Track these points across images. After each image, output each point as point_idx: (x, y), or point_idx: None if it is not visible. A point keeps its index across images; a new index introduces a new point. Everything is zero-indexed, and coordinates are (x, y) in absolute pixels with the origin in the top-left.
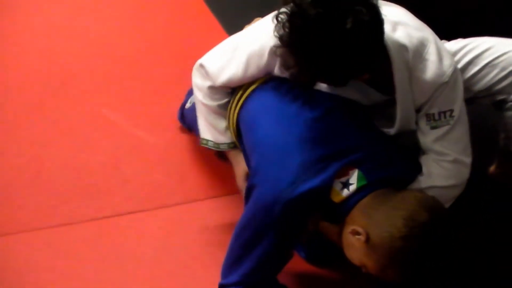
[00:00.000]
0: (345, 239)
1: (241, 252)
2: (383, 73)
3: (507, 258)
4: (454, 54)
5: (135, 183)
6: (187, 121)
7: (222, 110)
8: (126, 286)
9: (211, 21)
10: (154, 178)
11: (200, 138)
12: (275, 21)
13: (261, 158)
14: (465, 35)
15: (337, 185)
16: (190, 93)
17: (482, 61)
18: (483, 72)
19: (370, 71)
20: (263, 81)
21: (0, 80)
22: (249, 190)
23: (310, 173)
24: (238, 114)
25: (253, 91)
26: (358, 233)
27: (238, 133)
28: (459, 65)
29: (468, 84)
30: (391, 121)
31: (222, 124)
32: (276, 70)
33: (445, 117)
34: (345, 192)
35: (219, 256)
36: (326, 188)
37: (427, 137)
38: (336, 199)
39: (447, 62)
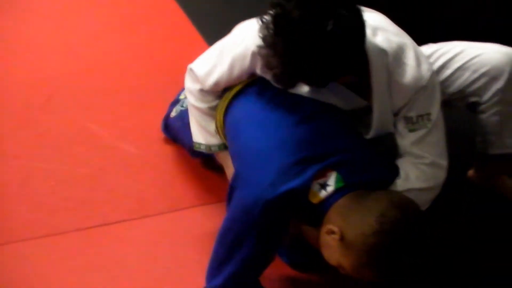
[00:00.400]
0: (322, 239)
1: (224, 255)
2: (363, 77)
3: (486, 258)
4: (427, 58)
5: (121, 193)
6: (171, 131)
7: (213, 111)
8: None
9: (193, 34)
10: (139, 188)
11: (192, 142)
12: (259, 22)
13: (242, 162)
14: (436, 41)
15: (315, 187)
16: (173, 104)
17: (454, 65)
18: (455, 75)
19: (351, 73)
20: (248, 84)
21: None
22: (231, 191)
23: (289, 175)
24: (224, 117)
25: (238, 94)
26: (333, 232)
27: (225, 135)
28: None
29: (442, 87)
30: (369, 126)
31: (213, 126)
32: (259, 71)
33: (422, 120)
34: (323, 193)
35: (206, 263)
36: (305, 189)
37: (405, 140)
38: (314, 200)
39: (425, 66)
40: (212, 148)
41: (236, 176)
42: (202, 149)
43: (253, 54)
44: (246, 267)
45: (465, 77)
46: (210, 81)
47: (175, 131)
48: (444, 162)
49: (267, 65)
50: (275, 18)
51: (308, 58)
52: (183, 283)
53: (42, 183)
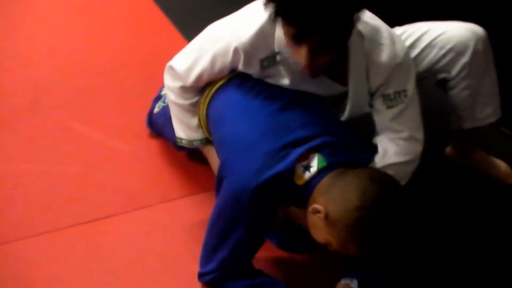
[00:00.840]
0: (308, 219)
1: (216, 241)
2: (342, 61)
3: (467, 237)
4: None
5: (111, 188)
6: (156, 126)
7: (194, 107)
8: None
9: (171, 30)
10: (129, 182)
11: (176, 137)
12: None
13: (228, 151)
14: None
15: (299, 169)
16: (156, 100)
17: (421, 44)
18: (424, 53)
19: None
20: (228, 78)
21: None
22: (219, 181)
23: (274, 160)
24: (207, 111)
25: (219, 88)
26: (318, 211)
27: (209, 128)
28: None
29: None
30: (344, 109)
31: (194, 121)
32: (241, 67)
33: (399, 96)
34: (307, 175)
35: (198, 250)
36: (290, 172)
37: (384, 116)
38: (299, 182)
39: (399, 45)
40: (194, 143)
41: (223, 165)
42: (184, 143)
43: (235, 50)
44: (238, 251)
45: (432, 55)
46: (192, 76)
47: (159, 126)
48: (420, 136)
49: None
50: None
51: None
52: (177, 271)
53: (33, 184)
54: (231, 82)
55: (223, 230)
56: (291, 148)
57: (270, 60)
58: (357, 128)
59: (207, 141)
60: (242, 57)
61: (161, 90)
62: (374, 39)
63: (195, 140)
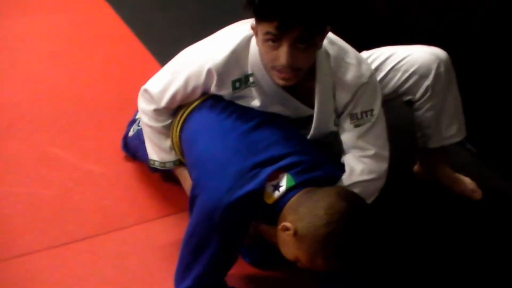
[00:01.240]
0: (278, 236)
1: (190, 258)
2: (310, 80)
3: (438, 251)
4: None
5: (87, 210)
6: (130, 149)
7: (166, 130)
8: None
9: (146, 55)
10: (105, 204)
11: (148, 159)
12: None
13: (200, 170)
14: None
15: (269, 188)
16: (131, 123)
17: (386, 67)
18: (388, 77)
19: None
20: (201, 101)
21: None
22: (192, 200)
23: (245, 179)
24: (180, 132)
25: (192, 110)
26: (287, 229)
27: (182, 150)
28: None
29: None
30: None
31: (167, 143)
32: (213, 88)
33: (366, 116)
34: (276, 194)
35: (174, 269)
36: (260, 191)
37: (351, 135)
38: (269, 200)
39: (365, 66)
40: (167, 165)
41: (195, 185)
42: (157, 165)
43: (208, 71)
44: (212, 268)
45: (397, 78)
46: (166, 98)
47: (134, 149)
48: (386, 153)
49: None
50: None
51: None
52: None
53: (10, 207)
54: (204, 104)
55: (196, 247)
56: (261, 168)
57: (242, 81)
58: (325, 147)
59: (179, 163)
60: (215, 78)
61: (136, 113)
62: (341, 58)
63: (167, 162)
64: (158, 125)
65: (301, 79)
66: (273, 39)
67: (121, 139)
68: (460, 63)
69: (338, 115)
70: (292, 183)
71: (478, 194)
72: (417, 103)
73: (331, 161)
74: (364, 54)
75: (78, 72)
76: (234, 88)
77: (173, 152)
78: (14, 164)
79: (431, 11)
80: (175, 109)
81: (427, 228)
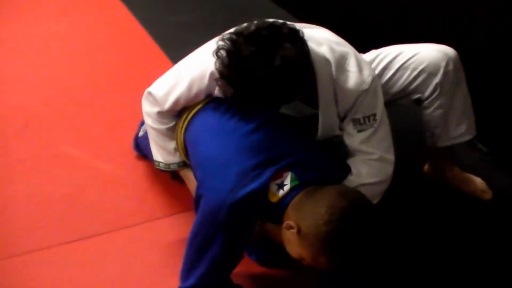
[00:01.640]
0: (283, 235)
1: (195, 256)
2: (311, 87)
3: (446, 252)
4: (370, 63)
5: (97, 208)
6: (141, 148)
7: (171, 132)
8: None
9: (160, 56)
10: (115, 202)
11: (153, 161)
12: (214, 56)
13: (204, 171)
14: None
15: (273, 187)
16: (142, 123)
17: (395, 65)
18: (397, 75)
19: (301, 93)
20: (205, 103)
21: None
22: (197, 200)
23: (248, 179)
24: (184, 134)
25: (197, 112)
26: (291, 227)
27: (186, 152)
28: (376, 72)
29: (386, 88)
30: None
31: (171, 145)
32: (217, 92)
33: (369, 121)
34: (281, 193)
35: (180, 266)
36: (264, 190)
37: (355, 140)
38: (273, 199)
39: (366, 72)
40: (171, 166)
41: (199, 185)
42: (161, 167)
43: (211, 75)
44: (216, 267)
45: (406, 76)
46: (170, 101)
47: (144, 148)
48: (391, 157)
49: (224, 93)
50: (228, 54)
51: (260, 89)
52: (159, 287)
53: (23, 205)
54: (208, 106)
55: (201, 246)
56: (264, 167)
57: None
58: (331, 147)
59: (184, 164)
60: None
61: None
62: (341, 65)
63: (172, 164)
64: (162, 127)
65: None
66: None
67: (132, 139)
68: (471, 61)
69: (342, 119)
70: (296, 182)
71: (488, 194)
72: (426, 102)
73: (335, 161)
74: (372, 53)
75: (93, 73)
76: None
77: (178, 153)
78: (27, 164)
79: (439, 8)
80: (179, 111)
81: (435, 228)
